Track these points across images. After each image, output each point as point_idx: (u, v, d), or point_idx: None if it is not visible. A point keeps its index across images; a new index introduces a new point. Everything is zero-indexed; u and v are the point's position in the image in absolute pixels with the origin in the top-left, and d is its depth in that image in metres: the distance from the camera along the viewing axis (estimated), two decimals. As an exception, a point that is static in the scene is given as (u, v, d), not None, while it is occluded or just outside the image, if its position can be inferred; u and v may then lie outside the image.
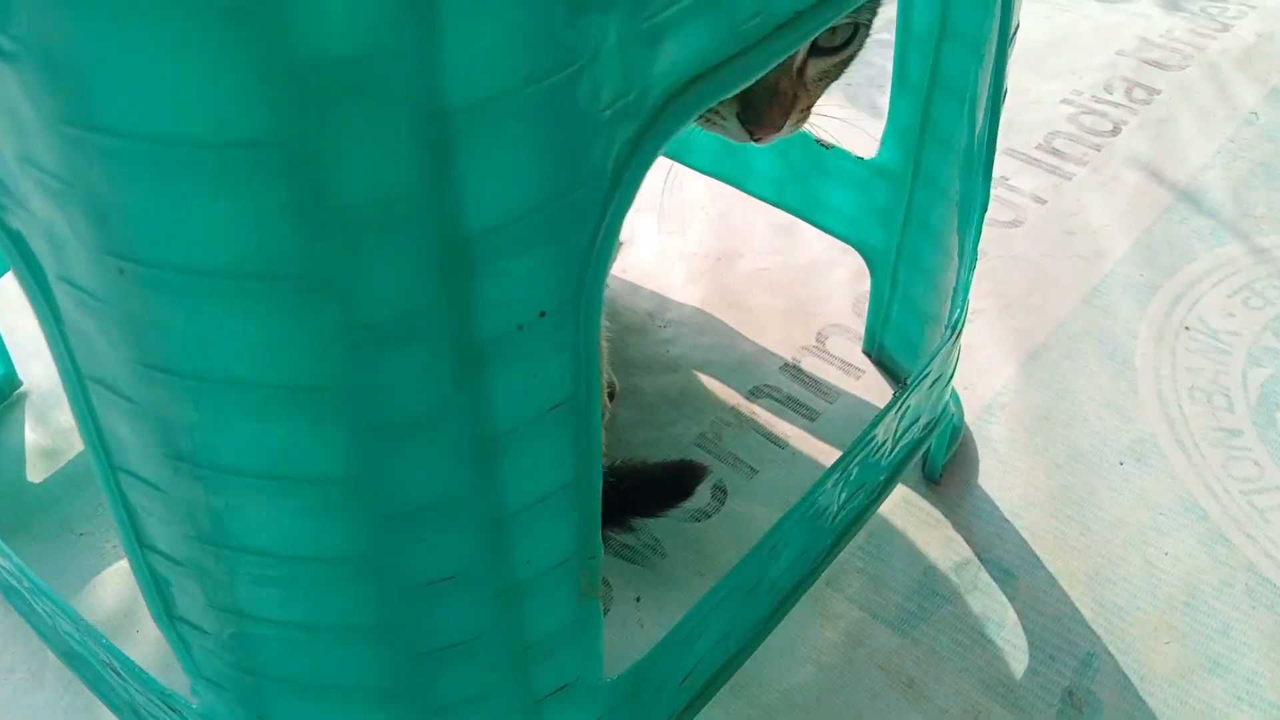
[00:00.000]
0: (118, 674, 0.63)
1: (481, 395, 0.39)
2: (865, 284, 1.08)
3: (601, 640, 0.54)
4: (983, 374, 1.08)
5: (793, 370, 1.14)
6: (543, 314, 0.39)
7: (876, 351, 1.10)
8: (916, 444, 0.84)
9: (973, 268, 0.80)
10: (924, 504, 0.95)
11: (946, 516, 0.97)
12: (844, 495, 0.75)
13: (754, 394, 1.09)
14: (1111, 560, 0.89)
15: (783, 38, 0.45)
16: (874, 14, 0.74)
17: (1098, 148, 1.44)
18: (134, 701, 0.66)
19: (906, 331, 0.97)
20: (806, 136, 1.02)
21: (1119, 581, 0.88)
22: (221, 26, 0.28)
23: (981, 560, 0.93)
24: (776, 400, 1.12)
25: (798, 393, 1.13)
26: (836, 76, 0.71)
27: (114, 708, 0.70)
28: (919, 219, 0.95)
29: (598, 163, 0.36)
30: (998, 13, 0.65)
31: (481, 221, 0.35)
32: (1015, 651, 0.85)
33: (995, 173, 1.21)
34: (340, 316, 0.35)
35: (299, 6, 0.28)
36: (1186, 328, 1.13)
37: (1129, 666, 0.83)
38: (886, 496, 0.80)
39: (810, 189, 1.09)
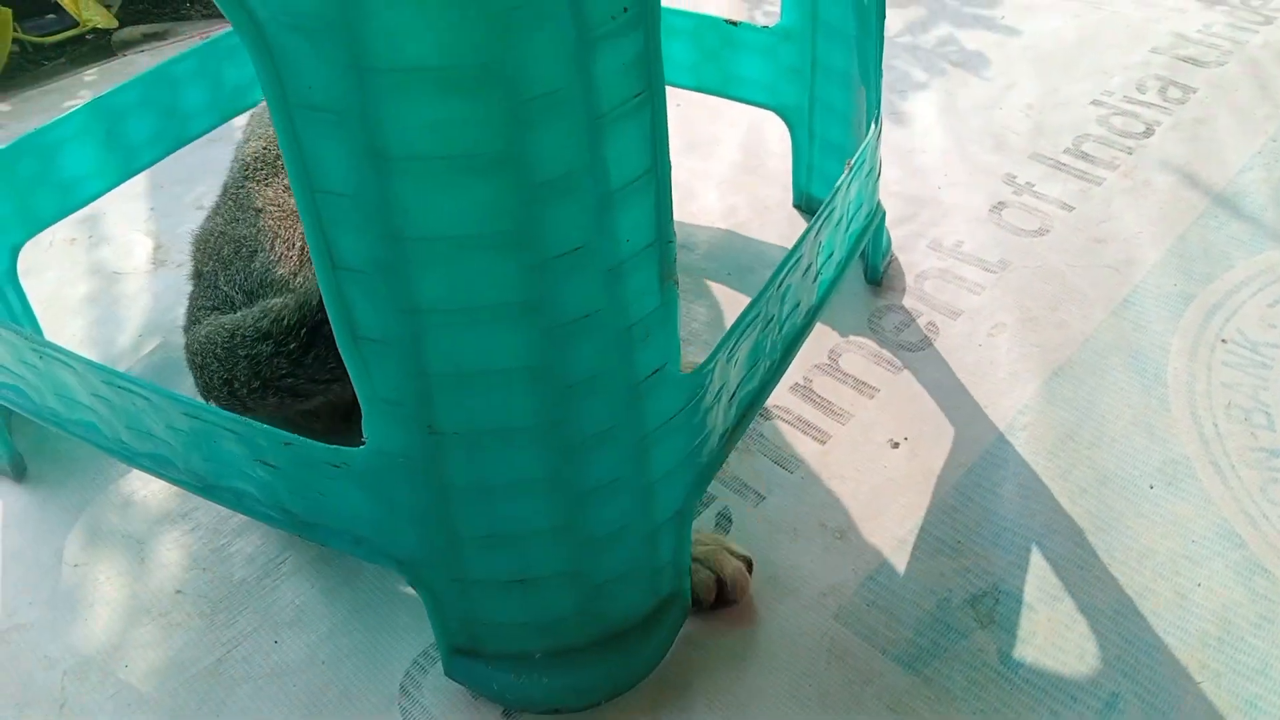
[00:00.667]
0: (273, 465, 0.81)
1: (603, 158, 0.61)
2: (881, 299, 1.32)
3: (679, 331, 0.76)
4: (1004, 393, 1.21)
5: (804, 390, 1.27)
6: (638, 94, 0.61)
7: (805, 202, 1.47)
8: (863, 229, 1.18)
9: (879, 70, 1.14)
10: (939, 530, 1.09)
11: (962, 544, 1.05)
12: (821, 258, 1.03)
13: (763, 415, 1.24)
14: (1139, 592, 0.98)
15: None
16: None
17: (1129, 151, 1.58)
18: (285, 499, 0.84)
19: (829, 173, 1.27)
20: (716, 20, 1.35)
21: (1147, 615, 0.96)
22: None
23: (999, 592, 1.00)
24: (786, 422, 1.24)
25: (809, 414, 1.26)
26: None
27: (263, 516, 0.88)
28: (824, 66, 1.27)
29: None
30: None
31: (599, 16, 0.57)
32: (1034, 691, 0.91)
33: (1020, 180, 1.51)
34: (510, 94, 0.57)
35: None
36: (1223, 340, 1.24)
37: (1157, 709, 0.89)
38: (847, 269, 1.12)
39: (725, 67, 1.39)
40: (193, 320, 1.06)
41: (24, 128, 1.37)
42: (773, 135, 1.61)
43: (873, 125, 1.15)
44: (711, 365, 0.84)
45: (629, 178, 0.65)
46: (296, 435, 0.77)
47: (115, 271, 1.45)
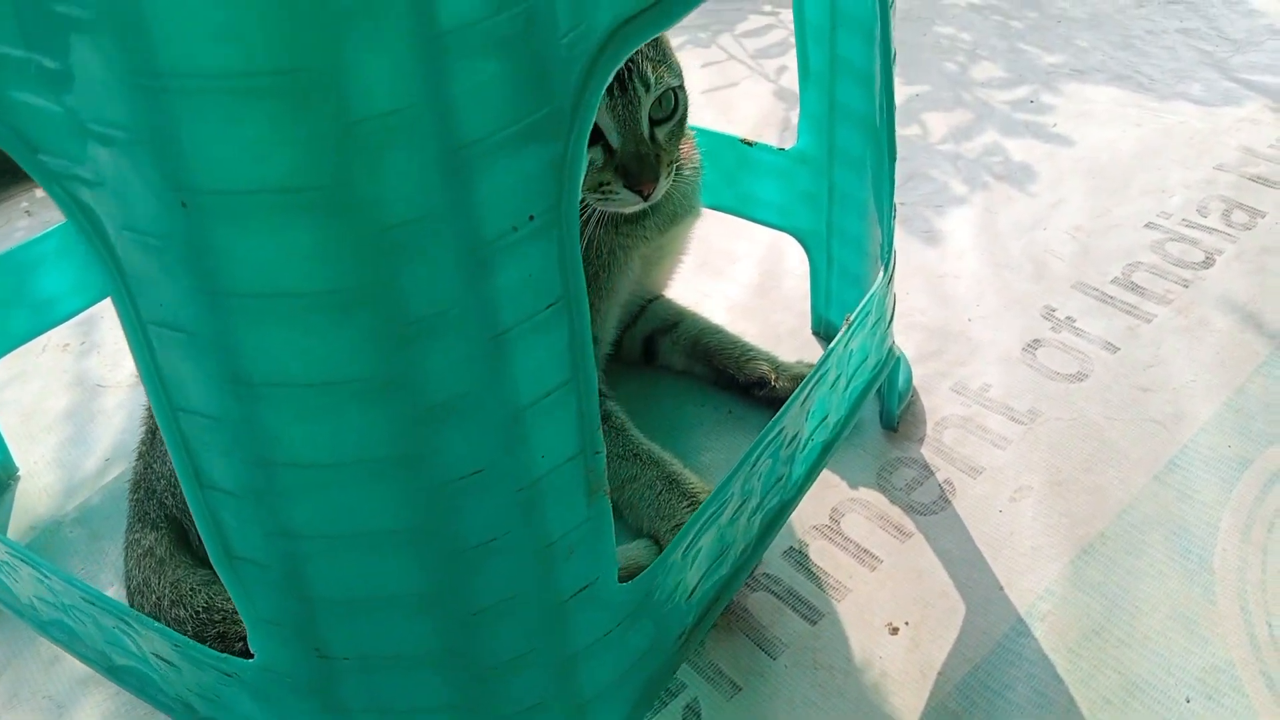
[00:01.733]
0: (170, 662, 0.77)
1: (489, 293, 0.54)
2: (895, 448, 1.23)
3: (614, 543, 0.70)
4: (1024, 571, 1.10)
5: (798, 557, 1.18)
6: (531, 217, 0.54)
7: (824, 329, 1.43)
8: (869, 383, 1.13)
9: (893, 213, 1.08)
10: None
11: (962, 763, 1.01)
12: (811, 424, 0.98)
13: (749, 585, 1.15)
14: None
15: None
16: (682, 83, 1.10)
17: (1185, 283, 1.45)
18: (186, 694, 0.79)
19: (848, 302, 1.21)
20: (733, 139, 1.33)
21: None
22: None
23: (1002, 827, 0.94)
24: (775, 594, 1.14)
25: (801, 586, 1.15)
26: (681, 136, 1.11)
27: (165, 707, 0.83)
28: (841, 194, 1.24)
29: (561, 84, 0.53)
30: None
31: (473, 130, 0.50)
32: None
33: (1060, 314, 1.43)
34: (364, 223, 0.49)
35: None
36: (1280, 522, 1.18)
37: None
38: (848, 430, 1.07)
39: (741, 187, 1.38)
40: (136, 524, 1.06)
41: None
42: (792, 256, 1.54)
43: (881, 271, 1.07)
44: (663, 569, 0.77)
45: (541, 392, 0.60)
46: (187, 639, 0.73)
47: (98, 384, 1.44)
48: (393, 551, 0.61)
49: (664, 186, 1.05)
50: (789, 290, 1.49)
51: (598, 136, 1.03)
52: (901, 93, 2.01)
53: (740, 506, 0.89)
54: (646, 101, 1.03)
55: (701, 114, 2.03)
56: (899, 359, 1.23)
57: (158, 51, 0.44)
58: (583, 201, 1.10)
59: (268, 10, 0.44)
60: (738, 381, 1.28)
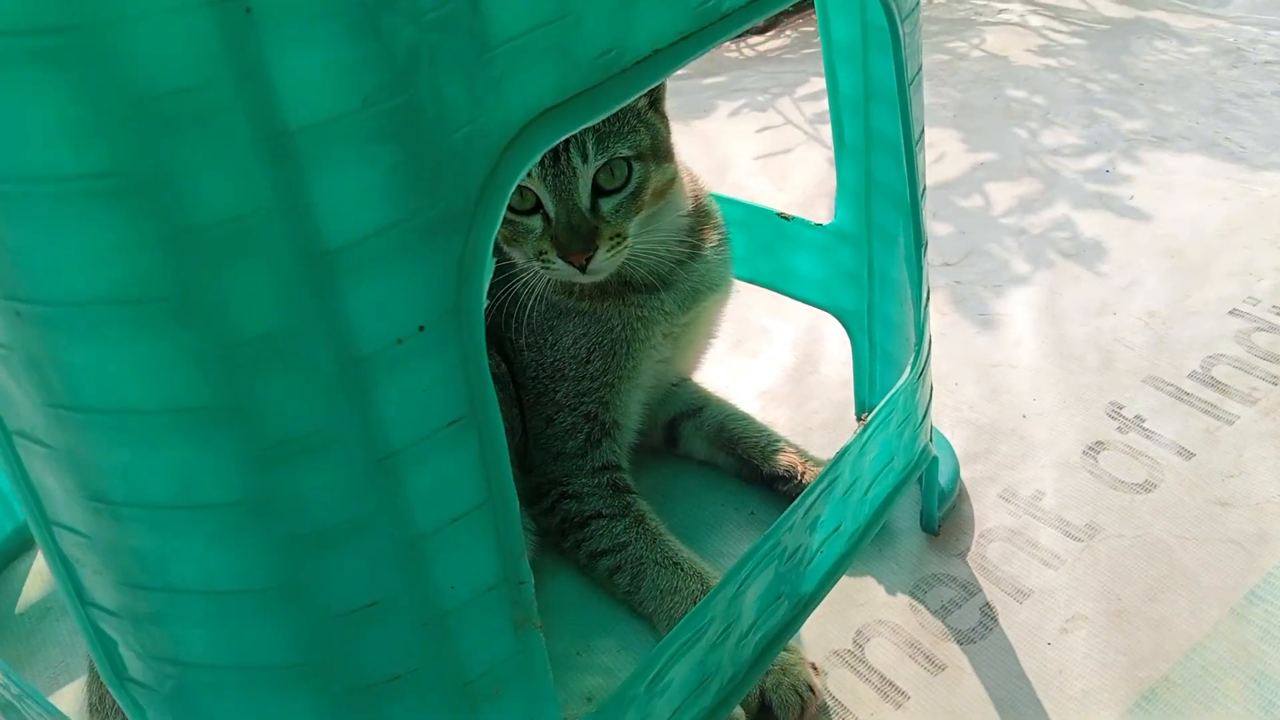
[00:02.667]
0: None
1: (371, 412, 0.49)
2: (934, 559, 1.12)
3: (550, 679, 0.63)
4: (1071, 716, 0.97)
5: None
6: (421, 328, 0.48)
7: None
8: (895, 487, 1.02)
9: (926, 307, 1.02)
10: None
11: None
12: (818, 536, 0.88)
13: None
14: None
15: (636, 77, 0.56)
16: (657, 159, 1.05)
17: (1274, 380, 1.31)
18: None
19: (891, 387, 1.02)
20: (769, 212, 1.28)
21: None
22: (56, 69, 0.38)
23: None
24: None
25: None
26: (639, 210, 1.05)
27: None
28: (881, 274, 1.17)
29: (455, 183, 0.48)
30: (905, 63, 0.86)
31: (338, 236, 0.45)
32: None
33: (1127, 412, 1.30)
34: (211, 335, 0.45)
35: (122, 44, 0.38)
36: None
37: None
38: (868, 540, 0.96)
39: (779, 260, 1.33)
40: None
41: None
42: (832, 338, 1.46)
43: (909, 366, 0.97)
44: (619, 705, 0.69)
45: (446, 518, 0.54)
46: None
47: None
48: (287, 687, 0.56)
49: (605, 259, 1.02)
50: (826, 376, 1.41)
51: (539, 204, 1.01)
52: (965, 160, 1.93)
53: (726, 630, 0.80)
54: (585, 173, 1.00)
55: (753, 181, 1.99)
56: (939, 457, 1.13)
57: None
58: (527, 270, 1.05)
59: (92, 111, 0.40)
60: (762, 474, 1.20)
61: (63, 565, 0.55)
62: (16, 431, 0.50)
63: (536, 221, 1.02)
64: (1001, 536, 1.11)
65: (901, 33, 0.85)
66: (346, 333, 0.47)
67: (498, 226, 0.50)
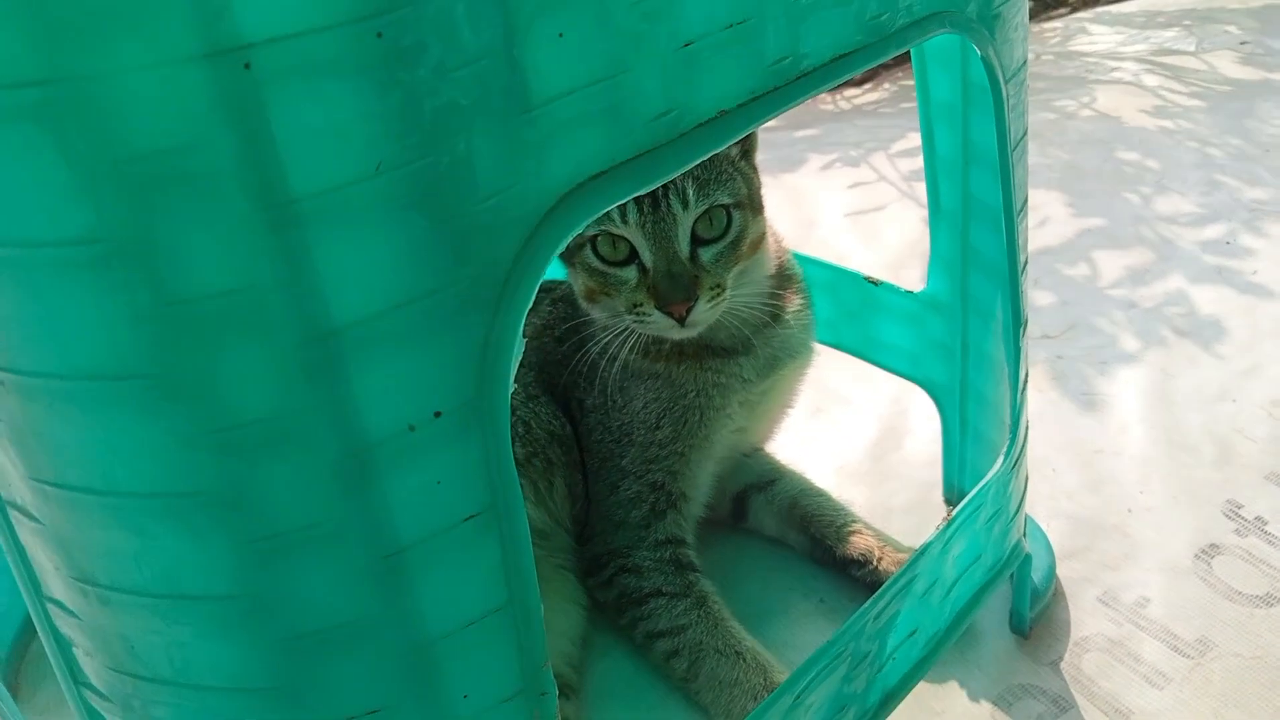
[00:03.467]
0: None
1: (377, 504, 0.45)
2: (1022, 666, 1.01)
3: None
4: None
5: None
6: (438, 414, 0.44)
7: (957, 497, 1.21)
8: (982, 587, 0.94)
9: (1023, 390, 0.93)
10: None
11: None
12: (893, 640, 0.81)
13: None
14: None
15: (697, 141, 0.51)
16: (753, 210, 1.01)
17: None
18: None
19: (983, 470, 0.96)
20: (856, 276, 1.22)
21: None
22: (35, 125, 0.35)
23: None
24: None
25: None
26: (738, 261, 1.00)
27: None
28: (976, 348, 1.09)
29: (482, 256, 0.44)
30: (1008, 126, 0.80)
31: (347, 313, 0.41)
32: None
33: (1247, 513, 1.19)
34: (201, 417, 0.41)
35: (107, 100, 0.35)
36: None
37: None
38: (947, 646, 0.87)
39: (866, 327, 1.25)
40: None
41: None
42: (919, 412, 1.37)
43: (1003, 455, 0.88)
44: None
45: (461, 621, 0.49)
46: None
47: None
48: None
49: (705, 311, 0.96)
50: (911, 453, 1.32)
51: (633, 254, 0.96)
52: (1070, 226, 1.82)
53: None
54: (685, 220, 0.95)
55: (842, 239, 1.92)
56: (1032, 554, 1.03)
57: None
58: (622, 324, 1.00)
59: (74, 172, 0.36)
60: (835, 556, 1.11)
61: (55, 642, 0.52)
62: (9, 502, 0.48)
63: (631, 272, 0.96)
64: (1100, 646, 1.00)
65: (1005, 94, 0.79)
66: (353, 418, 0.43)
67: (529, 305, 0.46)
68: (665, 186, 0.94)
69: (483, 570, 0.48)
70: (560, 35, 0.44)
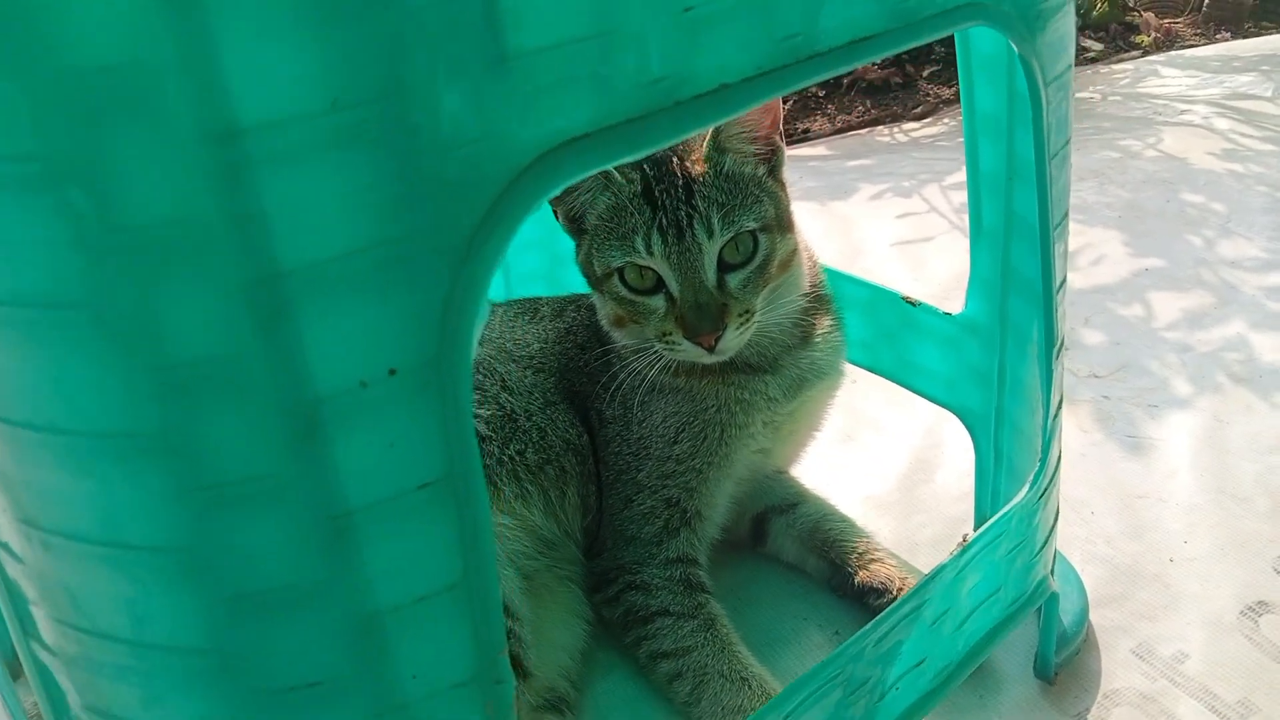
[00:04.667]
0: None
1: (325, 462, 0.43)
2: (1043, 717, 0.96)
3: None
4: None
5: None
6: (393, 371, 0.42)
7: None
8: (1000, 622, 0.87)
9: (1055, 416, 0.87)
10: None
11: None
12: (897, 668, 0.76)
13: None
14: None
15: (694, 113, 0.48)
16: (780, 230, 0.98)
17: None
18: None
19: None
20: (894, 295, 1.18)
21: None
22: None
23: None
24: None
25: None
26: (767, 284, 0.98)
27: None
28: (1013, 375, 1.02)
29: (447, 208, 0.41)
30: (1047, 134, 0.75)
31: (296, 255, 0.39)
32: None
33: None
34: (141, 353, 0.39)
35: (55, 11, 0.33)
36: None
37: None
38: (957, 682, 0.81)
39: (902, 350, 1.20)
40: None
41: None
42: (953, 441, 1.32)
43: (1028, 483, 0.84)
44: None
45: (412, 594, 0.47)
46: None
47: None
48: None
49: (734, 337, 0.95)
50: (943, 485, 1.27)
51: (660, 282, 0.95)
52: (1127, 265, 1.76)
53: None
54: (711, 249, 0.93)
55: (887, 268, 1.88)
56: (1060, 593, 0.98)
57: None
58: (651, 349, 0.99)
59: (12, 84, 0.35)
60: (853, 583, 1.07)
61: (6, 590, 0.50)
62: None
63: (659, 301, 0.95)
64: (1131, 700, 0.94)
65: (1044, 99, 0.75)
66: (301, 367, 0.41)
67: (497, 263, 0.43)
68: (690, 215, 0.94)
69: (436, 542, 0.46)
70: None
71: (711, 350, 0.94)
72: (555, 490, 1.04)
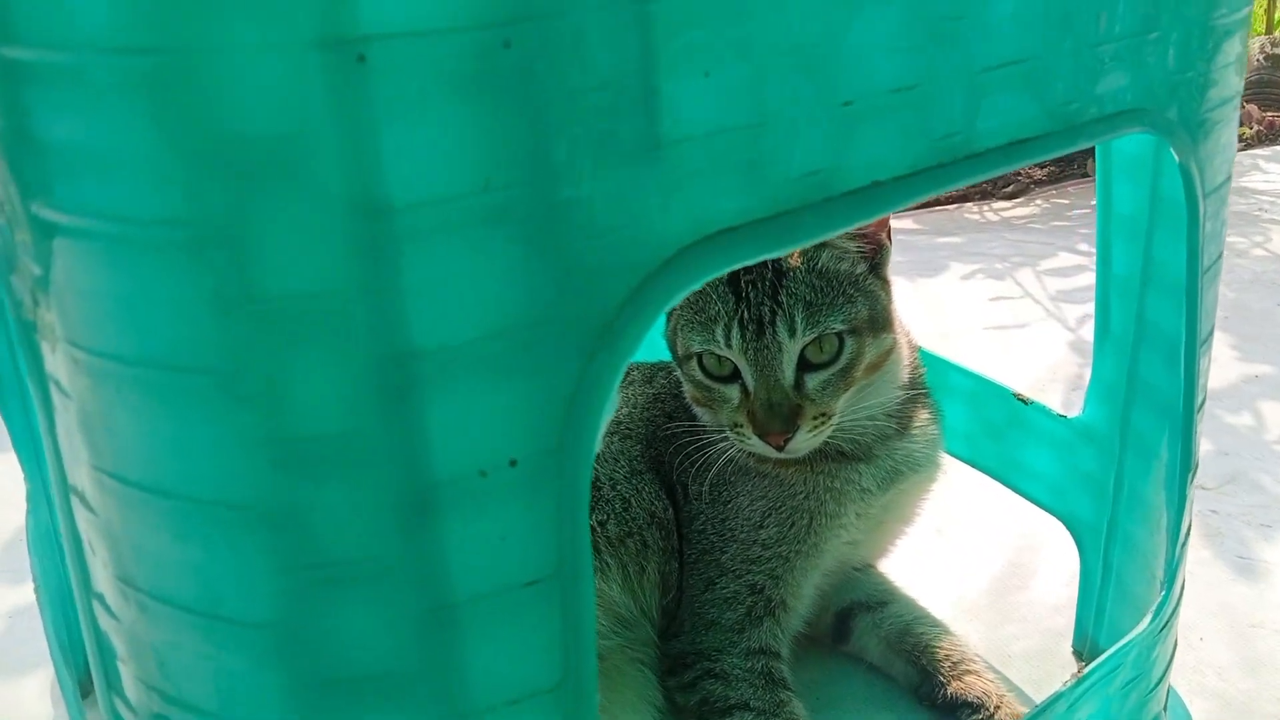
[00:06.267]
0: None
1: (434, 550, 0.41)
2: None
3: None
4: None
5: None
6: (513, 463, 0.40)
7: (1089, 651, 1.06)
8: None
9: (1184, 544, 0.81)
10: None
11: None
12: None
13: None
14: None
15: (844, 209, 0.46)
16: (874, 330, 0.95)
17: None
18: None
19: (1122, 627, 0.89)
20: (1005, 391, 1.12)
21: None
22: (140, 99, 0.34)
23: None
24: None
25: None
26: (850, 387, 0.94)
27: None
28: (1130, 489, 0.96)
29: (585, 297, 0.40)
30: (1202, 247, 0.70)
31: (430, 337, 0.38)
32: None
33: None
34: (264, 423, 0.38)
35: (219, 78, 0.33)
36: None
37: None
38: None
39: (1008, 448, 1.13)
40: None
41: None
42: (1055, 548, 1.24)
43: (1151, 614, 0.77)
44: None
45: (507, 695, 0.44)
46: None
47: None
48: None
49: (805, 440, 0.91)
50: (1039, 595, 1.19)
51: (736, 373, 0.92)
52: (1235, 370, 1.67)
53: None
54: (792, 349, 0.90)
55: (979, 353, 1.81)
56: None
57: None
58: (721, 433, 0.96)
59: (168, 147, 0.34)
60: (945, 694, 0.99)
61: (96, 640, 0.49)
62: (72, 487, 0.45)
63: (734, 391, 0.93)
64: None
65: (1202, 211, 0.70)
66: (421, 450, 0.39)
67: (630, 356, 0.42)
68: (773, 311, 0.90)
69: (539, 643, 0.44)
70: (706, 74, 0.40)
71: (780, 450, 0.92)
72: (635, 565, 1.00)
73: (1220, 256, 0.77)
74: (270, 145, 0.34)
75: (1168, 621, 0.83)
